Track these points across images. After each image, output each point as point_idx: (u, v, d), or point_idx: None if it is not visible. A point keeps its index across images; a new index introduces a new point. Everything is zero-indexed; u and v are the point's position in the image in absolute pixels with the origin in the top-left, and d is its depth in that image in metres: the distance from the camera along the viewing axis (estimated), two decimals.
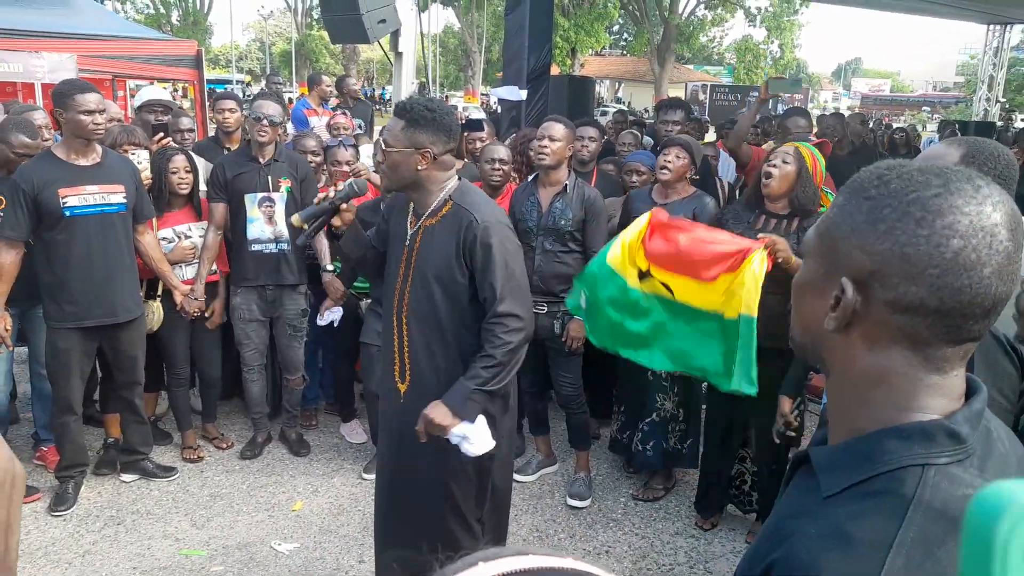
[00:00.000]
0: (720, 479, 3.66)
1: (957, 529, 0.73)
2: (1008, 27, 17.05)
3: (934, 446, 0.79)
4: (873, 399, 0.84)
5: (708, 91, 26.77)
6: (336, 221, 2.51)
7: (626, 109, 15.39)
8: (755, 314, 2.90)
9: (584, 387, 3.93)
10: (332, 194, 2.47)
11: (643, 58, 32.13)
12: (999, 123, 15.44)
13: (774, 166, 3.23)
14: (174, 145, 4.35)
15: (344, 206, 2.50)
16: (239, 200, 3.96)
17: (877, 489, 0.79)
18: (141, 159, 3.87)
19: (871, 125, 10.87)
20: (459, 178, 2.54)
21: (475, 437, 2.34)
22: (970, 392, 0.86)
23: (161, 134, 4.36)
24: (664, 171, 3.66)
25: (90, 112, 3.30)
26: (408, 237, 2.54)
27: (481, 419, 2.38)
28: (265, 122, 3.88)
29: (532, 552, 0.45)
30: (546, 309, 3.72)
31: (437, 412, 2.36)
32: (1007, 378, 1.48)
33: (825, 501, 0.81)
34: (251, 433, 4.37)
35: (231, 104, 4.93)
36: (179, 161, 3.95)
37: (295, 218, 2.47)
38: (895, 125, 11.68)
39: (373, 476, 4.03)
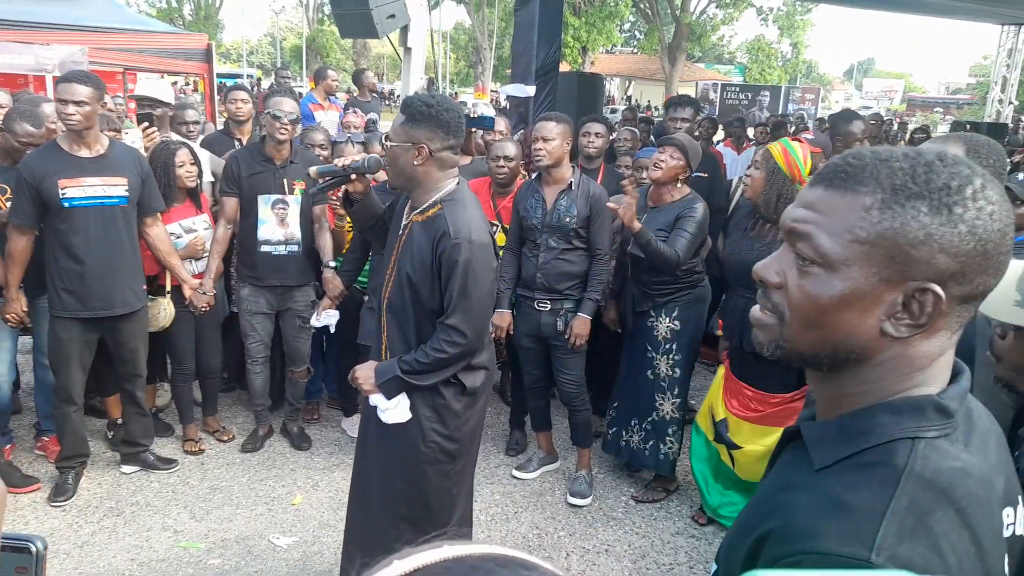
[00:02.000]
0: None
1: (945, 499, 0.78)
2: (1022, 27, 16.89)
3: (924, 420, 0.83)
4: (870, 378, 0.87)
5: (719, 90, 26.61)
6: (350, 187, 2.63)
7: (634, 106, 15.33)
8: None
9: (587, 385, 3.91)
10: (348, 163, 2.58)
11: (654, 56, 32.00)
12: (1011, 124, 15.31)
13: (748, 176, 3.31)
14: (177, 138, 4.34)
15: (354, 177, 2.60)
16: (251, 199, 3.92)
17: (870, 461, 0.82)
18: (134, 138, 3.86)
19: (886, 126, 10.83)
20: (458, 181, 2.51)
21: (390, 410, 2.53)
22: (955, 371, 0.89)
23: (146, 124, 4.32)
24: (656, 169, 3.60)
25: (63, 102, 3.24)
26: (400, 228, 2.56)
27: (401, 397, 2.52)
28: (285, 120, 3.81)
29: (446, 544, 0.46)
30: (549, 307, 3.70)
31: (363, 372, 2.56)
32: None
33: (817, 474, 0.84)
34: (252, 426, 4.37)
35: (243, 95, 4.98)
36: (184, 155, 3.93)
37: (313, 169, 2.66)
38: (911, 125, 11.64)
39: None
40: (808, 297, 0.86)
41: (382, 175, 3.50)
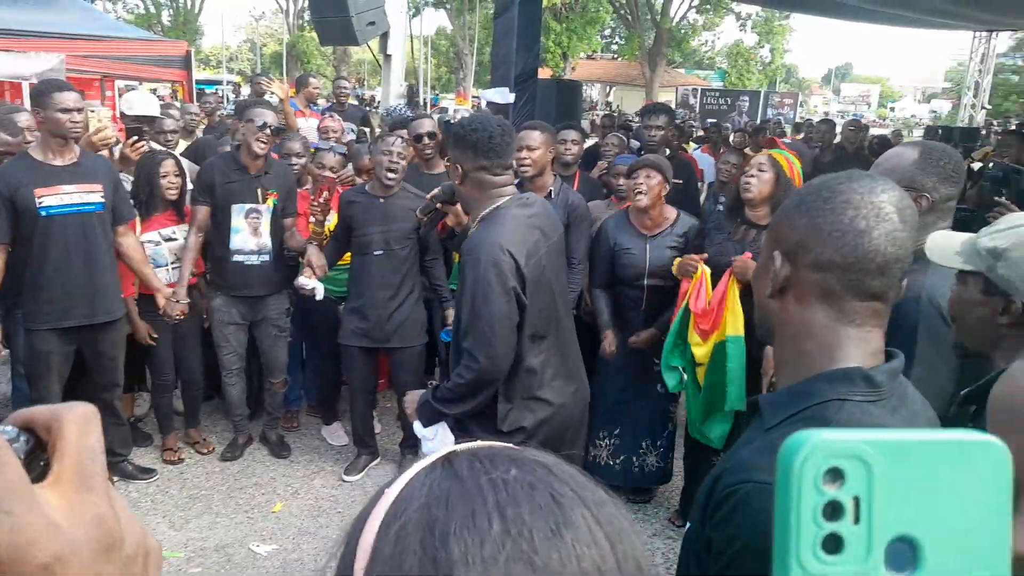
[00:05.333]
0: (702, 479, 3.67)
1: None
2: (994, 34, 17.19)
3: (853, 386, 1.00)
4: (805, 350, 1.06)
5: (699, 95, 26.82)
6: (450, 220, 2.69)
7: (612, 113, 15.42)
8: (742, 333, 3.14)
9: None
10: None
11: (634, 62, 32.21)
12: (983, 129, 15.55)
13: (752, 176, 3.27)
14: (161, 148, 4.33)
15: (440, 206, 2.69)
16: (226, 209, 3.91)
17: (806, 416, 0.99)
18: (102, 117, 3.87)
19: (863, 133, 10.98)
20: (511, 200, 2.41)
21: (430, 440, 2.43)
22: (892, 356, 1.07)
23: (136, 138, 4.31)
24: (640, 196, 3.49)
25: (67, 111, 3.29)
26: None
27: (442, 427, 2.41)
28: (268, 131, 3.82)
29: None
30: None
31: (411, 397, 2.55)
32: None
33: (767, 432, 1.02)
34: (232, 434, 4.37)
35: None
36: (169, 165, 3.93)
37: (418, 211, 2.82)
38: (874, 132, 11.85)
39: (354, 478, 4.06)
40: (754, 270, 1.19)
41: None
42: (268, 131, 3.82)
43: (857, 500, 0.40)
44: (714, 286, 3.28)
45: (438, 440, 2.40)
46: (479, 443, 0.54)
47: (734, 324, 3.16)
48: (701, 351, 3.27)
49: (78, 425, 0.43)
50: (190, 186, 4.13)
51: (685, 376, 3.44)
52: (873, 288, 1.03)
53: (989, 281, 1.42)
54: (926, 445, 0.42)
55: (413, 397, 2.52)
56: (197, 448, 4.32)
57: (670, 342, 3.41)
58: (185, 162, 4.50)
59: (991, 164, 5.62)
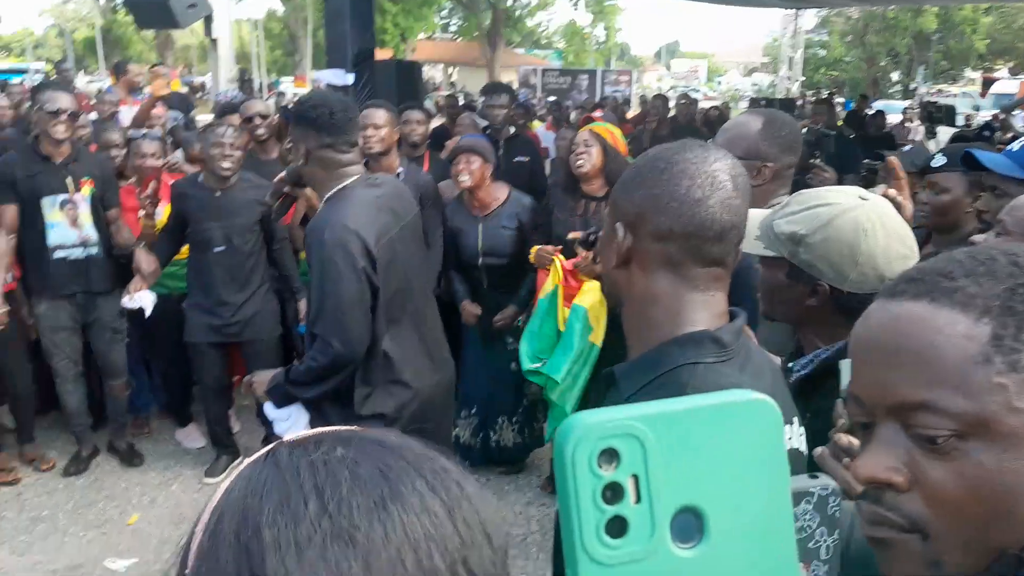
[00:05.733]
0: None
1: None
2: (800, 12, 18.66)
3: (703, 349, 1.03)
4: (653, 317, 1.09)
5: (539, 74, 27.34)
6: (301, 205, 2.63)
7: (458, 93, 15.47)
8: (586, 305, 3.24)
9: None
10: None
11: (474, 42, 32.37)
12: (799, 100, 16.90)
13: (581, 152, 3.38)
14: None
15: (287, 190, 2.52)
16: (33, 204, 3.59)
17: (661, 383, 1.02)
18: None
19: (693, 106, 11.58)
20: (358, 179, 2.36)
21: (283, 422, 2.38)
22: (733, 315, 1.12)
23: None
24: (464, 178, 3.54)
25: None
26: None
27: (296, 408, 2.37)
28: (63, 116, 3.52)
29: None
30: None
31: (260, 377, 2.45)
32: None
33: (626, 400, 1.03)
34: (75, 447, 4.07)
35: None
36: None
37: (267, 198, 2.62)
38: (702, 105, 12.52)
39: (215, 479, 3.90)
40: (599, 241, 1.15)
41: None
42: (65, 116, 3.53)
43: (636, 478, 0.40)
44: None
45: (291, 421, 2.36)
46: (316, 430, 0.53)
47: (584, 297, 3.26)
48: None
49: None
50: None
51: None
52: (713, 254, 1.07)
53: (792, 265, 1.40)
54: (696, 412, 0.41)
55: (263, 377, 2.42)
56: (35, 466, 3.99)
57: (530, 330, 3.46)
58: None
59: (805, 130, 6.16)
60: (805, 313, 1.44)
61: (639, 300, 1.11)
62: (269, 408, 2.39)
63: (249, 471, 0.49)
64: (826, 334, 1.41)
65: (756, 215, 1.45)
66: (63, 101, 3.55)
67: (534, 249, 3.48)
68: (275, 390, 2.37)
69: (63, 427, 4.31)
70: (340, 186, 2.33)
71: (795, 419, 1.14)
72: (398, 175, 3.64)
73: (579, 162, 3.37)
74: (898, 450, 0.63)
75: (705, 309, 1.08)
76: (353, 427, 0.53)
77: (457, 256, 3.75)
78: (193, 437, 4.32)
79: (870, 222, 1.35)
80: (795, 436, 1.12)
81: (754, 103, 14.48)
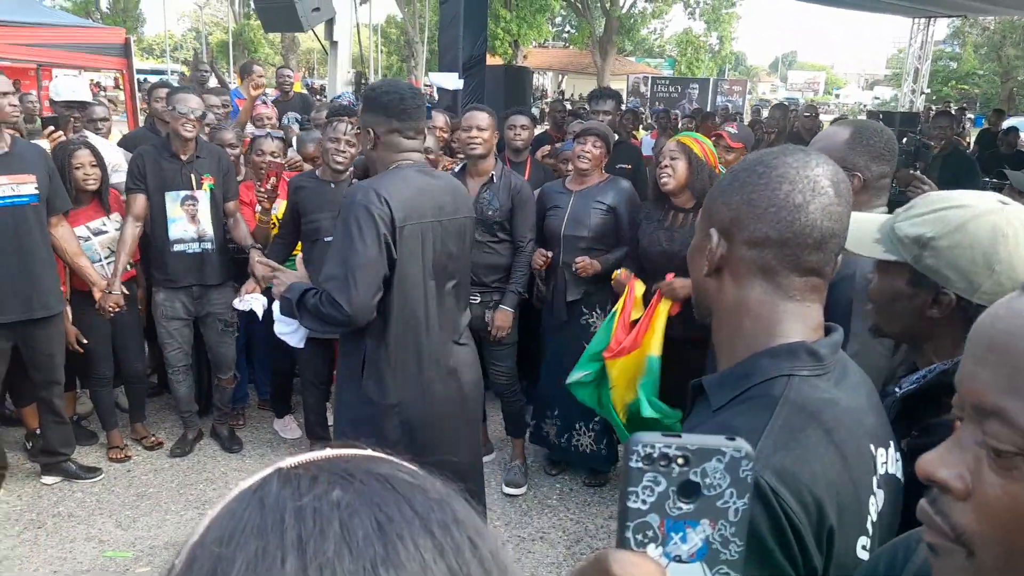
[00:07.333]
0: None
1: (814, 420, 0.90)
2: (932, 21, 17.65)
3: (798, 361, 0.98)
4: (745, 328, 1.04)
5: (649, 83, 27.02)
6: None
7: (565, 101, 15.48)
8: (658, 354, 3.20)
9: (520, 376, 3.94)
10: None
11: (585, 50, 32.32)
12: (922, 114, 16.00)
13: (665, 167, 3.34)
14: (76, 138, 4.16)
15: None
16: (159, 196, 3.80)
17: (753, 395, 0.97)
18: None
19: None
20: (410, 164, 2.41)
21: (285, 325, 2.76)
22: (830, 330, 1.06)
23: (51, 127, 4.15)
24: (583, 159, 3.64)
25: (3, 94, 3.17)
26: None
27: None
28: (191, 116, 3.73)
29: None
30: (479, 299, 3.71)
31: (284, 278, 2.51)
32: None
33: (714, 413, 1.00)
34: (181, 430, 4.27)
35: (165, 92, 4.83)
36: (83, 156, 3.76)
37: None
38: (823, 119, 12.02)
39: None
40: (688, 250, 1.10)
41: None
42: (193, 116, 3.74)
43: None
44: (647, 279, 3.36)
45: (292, 330, 2.64)
46: (322, 452, 0.47)
47: (655, 344, 3.22)
48: (615, 371, 3.33)
49: None
50: (116, 177, 3.99)
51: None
52: (810, 263, 1.01)
53: (915, 271, 1.28)
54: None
55: (287, 279, 2.49)
56: (144, 443, 4.21)
57: (589, 352, 3.44)
58: (120, 152, 4.37)
59: (903, 140, 5.80)
60: (924, 325, 1.30)
61: (730, 310, 1.05)
62: (277, 309, 2.47)
63: (234, 506, 0.44)
64: (946, 350, 1.26)
65: (873, 219, 1.37)
66: (190, 102, 3.75)
67: (615, 273, 3.52)
68: (286, 301, 2.42)
69: (172, 409, 4.53)
70: (394, 165, 2.39)
71: (891, 442, 1.06)
72: (491, 179, 3.65)
73: (663, 178, 3.35)
74: (967, 455, 0.58)
75: (800, 320, 1.02)
76: (365, 452, 0.48)
77: (544, 234, 3.76)
78: (290, 428, 4.46)
79: (1011, 227, 1.20)
80: (890, 461, 1.05)
81: (871, 117, 13.80)
